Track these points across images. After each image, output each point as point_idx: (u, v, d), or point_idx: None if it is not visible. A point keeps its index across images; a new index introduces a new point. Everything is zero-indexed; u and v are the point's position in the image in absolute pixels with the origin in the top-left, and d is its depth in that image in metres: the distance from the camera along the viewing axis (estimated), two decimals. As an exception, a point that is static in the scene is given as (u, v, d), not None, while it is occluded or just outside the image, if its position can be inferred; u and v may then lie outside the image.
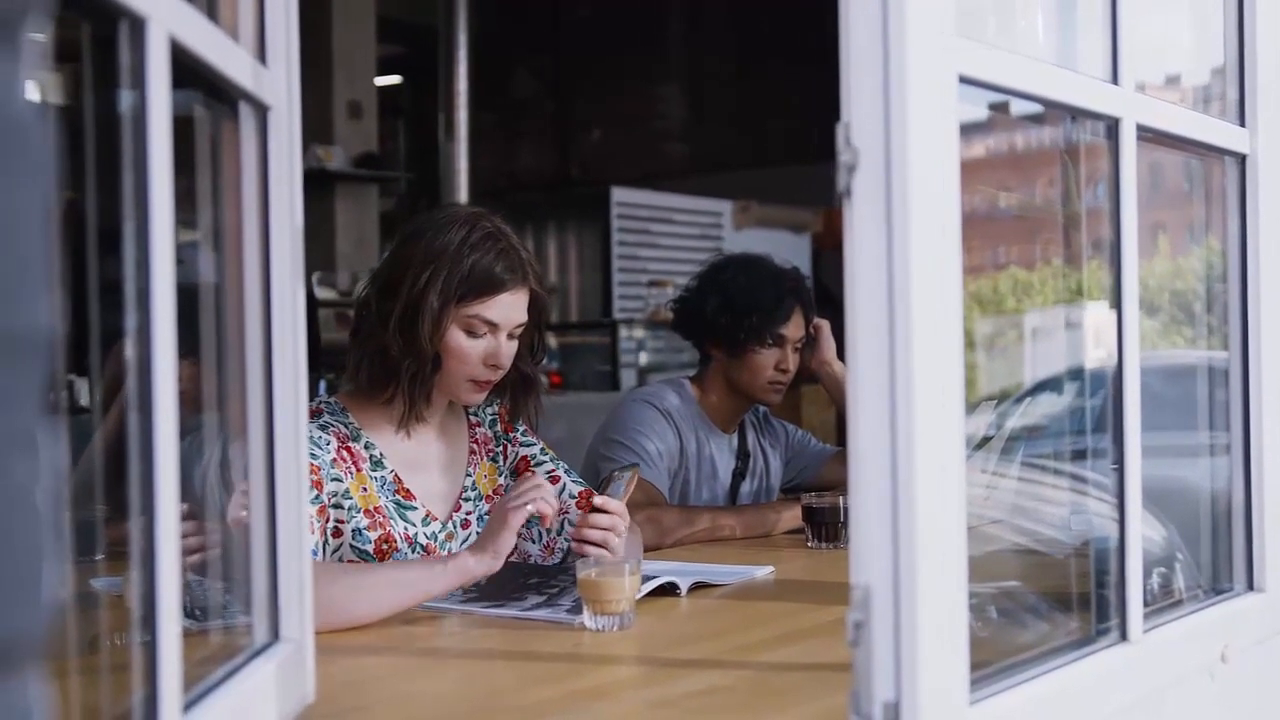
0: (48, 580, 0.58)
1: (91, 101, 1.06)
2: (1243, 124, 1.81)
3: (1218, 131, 1.78)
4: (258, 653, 1.33)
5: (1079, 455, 1.92)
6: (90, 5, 0.95)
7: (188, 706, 1.08)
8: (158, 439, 1.00)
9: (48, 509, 0.58)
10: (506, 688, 1.61)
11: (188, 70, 1.11)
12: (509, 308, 2.21)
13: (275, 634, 1.37)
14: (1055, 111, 1.61)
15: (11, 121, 0.58)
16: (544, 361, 2.43)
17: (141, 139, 1.00)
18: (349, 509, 2.15)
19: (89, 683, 1.18)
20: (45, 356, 0.59)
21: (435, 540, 2.26)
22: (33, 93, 0.60)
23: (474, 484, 2.36)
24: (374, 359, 2.20)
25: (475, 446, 2.38)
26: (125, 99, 1.01)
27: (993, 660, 1.34)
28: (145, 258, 1.00)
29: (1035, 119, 1.73)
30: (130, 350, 1.01)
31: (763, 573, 2.34)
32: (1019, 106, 1.54)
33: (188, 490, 1.08)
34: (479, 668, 1.73)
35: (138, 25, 0.99)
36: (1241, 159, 1.81)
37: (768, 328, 2.98)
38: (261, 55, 1.35)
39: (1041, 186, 2.08)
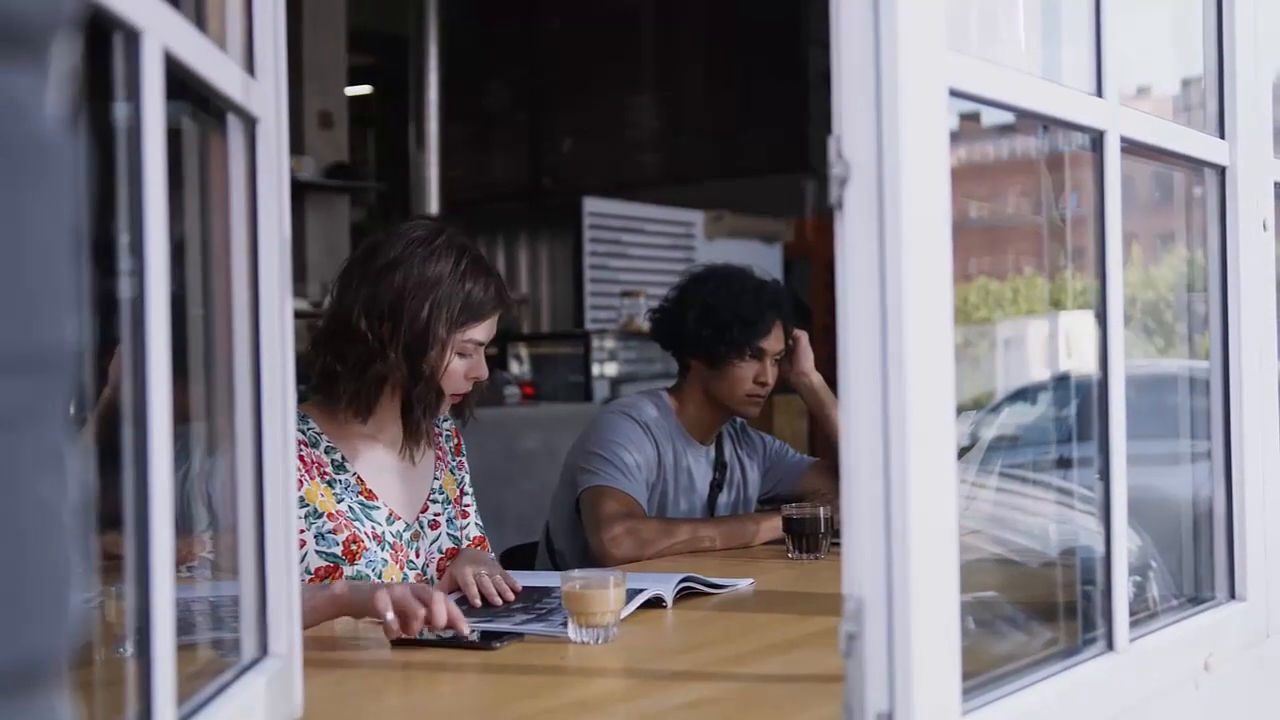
0: (73, 597, 0.58)
1: (83, 113, 1.05)
2: (1222, 136, 1.83)
3: (1198, 143, 1.79)
4: (247, 668, 1.32)
5: (1057, 465, 1.93)
6: (84, 17, 0.94)
7: (181, 723, 1.07)
8: (151, 452, 1.00)
9: (73, 526, 0.58)
10: (494, 702, 1.60)
11: (177, 81, 1.10)
12: (493, 326, 2.33)
13: (264, 649, 1.36)
14: (1028, 122, 1.62)
15: (40, 138, 0.58)
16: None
17: (136, 150, 0.99)
18: (306, 515, 2.19)
19: (78, 698, 1.16)
20: (71, 373, 0.59)
21: (401, 539, 2.31)
22: (59, 108, 0.60)
23: (441, 487, 2.43)
24: (374, 385, 2.25)
25: (440, 453, 2.46)
26: (119, 110, 1.01)
27: (983, 670, 1.35)
28: (140, 269, 0.99)
29: (1005, 130, 1.74)
30: (125, 363, 1.00)
31: (745, 584, 2.34)
32: (990, 117, 1.55)
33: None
34: (465, 682, 1.72)
35: (132, 37, 0.99)
36: (1221, 171, 1.83)
37: (748, 341, 2.98)
38: (250, 67, 1.34)
39: (1013, 196, 2.09)
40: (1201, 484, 1.93)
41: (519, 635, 1.90)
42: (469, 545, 2.43)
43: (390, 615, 1.81)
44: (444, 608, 1.83)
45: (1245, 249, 1.84)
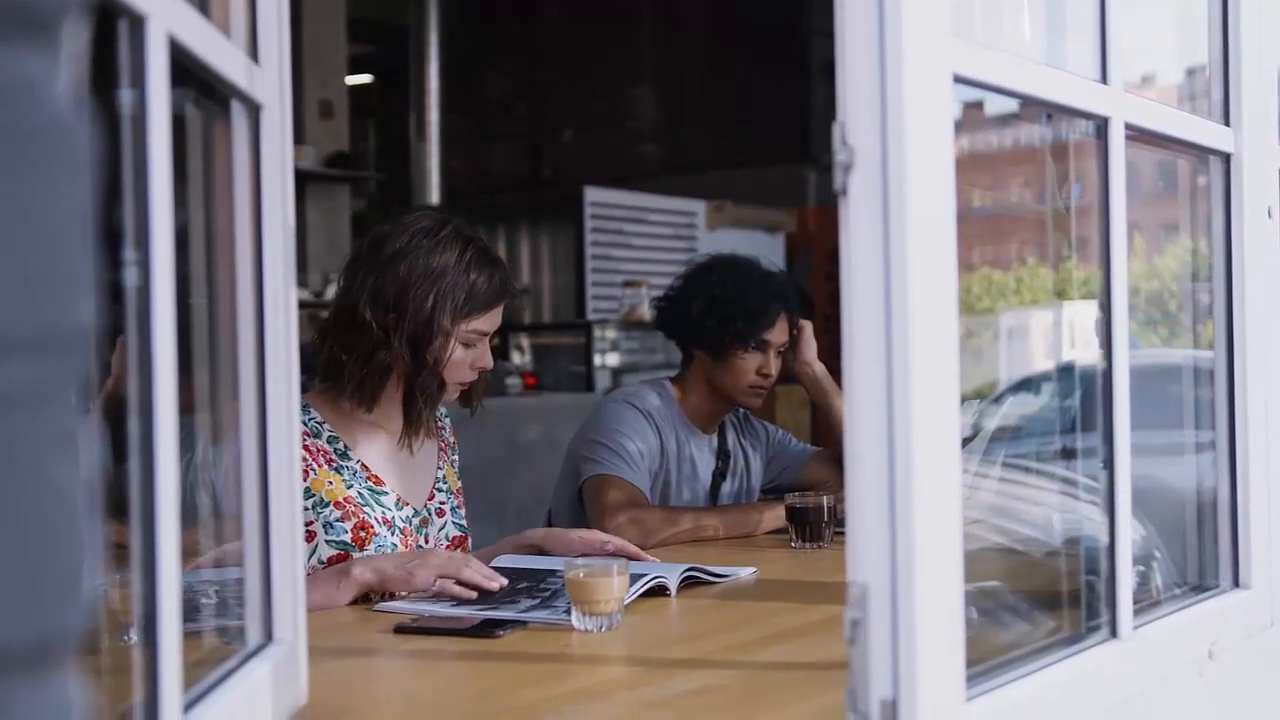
0: (87, 578, 0.58)
1: (89, 99, 1.05)
2: (1227, 123, 1.82)
3: (1203, 131, 1.79)
4: (252, 654, 1.32)
5: (1060, 454, 1.93)
6: (89, 2, 0.94)
7: (187, 707, 1.07)
8: (158, 441, 1.00)
9: (86, 507, 0.58)
10: (498, 689, 1.60)
11: (181, 68, 1.10)
12: (498, 316, 2.34)
13: (269, 635, 1.36)
14: (1031, 110, 1.62)
15: (53, 121, 0.58)
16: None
17: (141, 137, 0.99)
18: (314, 506, 2.20)
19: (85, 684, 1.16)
20: (85, 356, 0.59)
21: (410, 524, 2.34)
22: (72, 88, 0.60)
23: (444, 477, 2.45)
24: (379, 374, 2.27)
25: (442, 444, 2.49)
26: (124, 96, 1.00)
27: (987, 658, 1.35)
28: (146, 257, 0.99)
29: (1011, 118, 1.74)
30: (130, 351, 1.00)
31: (747, 573, 2.35)
32: (994, 105, 1.55)
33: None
34: (470, 669, 1.72)
35: (137, 23, 0.99)
36: (1226, 158, 1.82)
37: (753, 332, 2.97)
38: (254, 54, 1.34)
39: (1017, 186, 2.09)
40: (1205, 473, 1.93)
41: (523, 623, 1.90)
42: (448, 546, 2.44)
43: (437, 585, 2.04)
44: (480, 567, 2.08)
45: (1250, 236, 1.83)
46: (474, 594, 2.03)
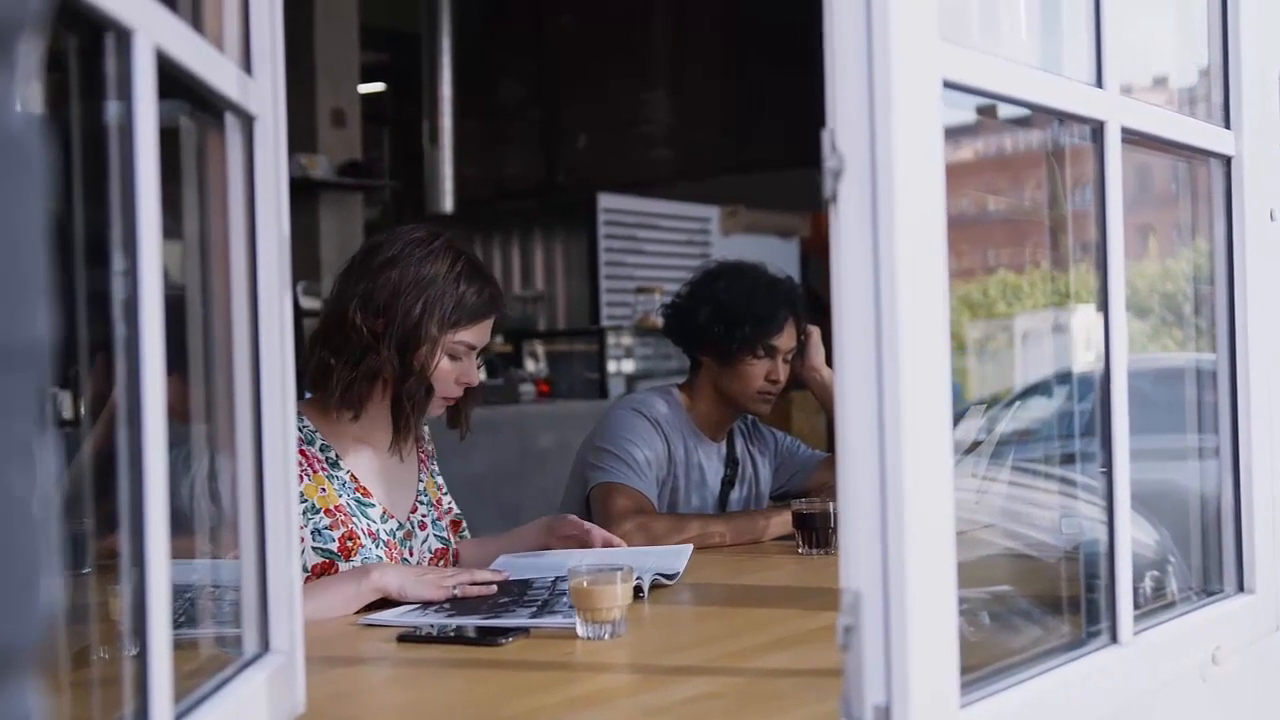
0: (44, 589, 0.59)
1: (76, 112, 1.06)
2: (1228, 126, 1.82)
3: (1203, 134, 1.78)
4: (248, 663, 1.33)
5: (1069, 459, 1.93)
6: (76, 16, 0.95)
7: (179, 717, 1.07)
8: (146, 451, 1.00)
9: (44, 518, 0.58)
10: (498, 697, 1.60)
11: (173, 80, 1.11)
12: (487, 332, 2.37)
13: (265, 645, 1.36)
14: (1041, 115, 1.61)
15: (7, 133, 0.58)
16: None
17: (128, 150, 1.00)
18: (305, 511, 2.22)
19: (78, 695, 1.17)
20: (42, 367, 0.59)
21: (395, 538, 2.35)
22: (28, 104, 0.60)
23: (424, 489, 2.47)
24: (366, 379, 2.28)
25: (423, 457, 2.50)
26: (111, 109, 1.01)
27: (984, 664, 1.35)
28: (133, 269, 1.00)
29: (1022, 122, 1.74)
30: (119, 362, 1.00)
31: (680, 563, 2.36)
32: (1005, 110, 1.55)
33: (175, 503, 1.08)
34: (471, 677, 1.72)
35: (124, 36, 0.99)
36: (1227, 161, 1.82)
37: (760, 339, 2.97)
38: (247, 65, 1.35)
39: (1030, 189, 2.08)
40: (1211, 476, 1.92)
41: (525, 630, 1.90)
42: (430, 559, 2.44)
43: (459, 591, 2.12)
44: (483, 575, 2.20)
45: (1252, 239, 1.83)
46: (494, 588, 2.14)
